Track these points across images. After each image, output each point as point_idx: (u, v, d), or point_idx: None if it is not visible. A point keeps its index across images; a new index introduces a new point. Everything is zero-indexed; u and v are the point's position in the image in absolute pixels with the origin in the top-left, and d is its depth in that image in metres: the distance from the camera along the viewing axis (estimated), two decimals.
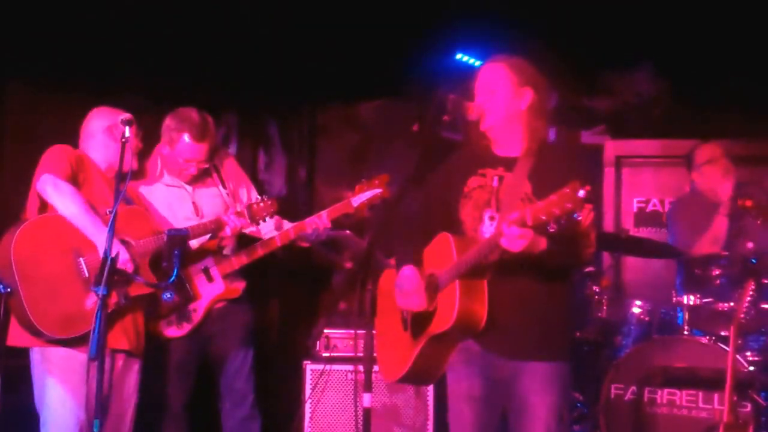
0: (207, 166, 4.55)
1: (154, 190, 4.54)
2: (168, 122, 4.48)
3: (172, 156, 4.49)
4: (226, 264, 4.48)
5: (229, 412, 4.63)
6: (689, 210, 5.53)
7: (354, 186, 4.55)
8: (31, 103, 5.38)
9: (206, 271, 4.46)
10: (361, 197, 4.46)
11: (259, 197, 4.42)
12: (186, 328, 4.43)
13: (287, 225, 4.62)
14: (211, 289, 4.48)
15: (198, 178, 4.60)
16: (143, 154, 4.40)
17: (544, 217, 2.97)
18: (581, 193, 2.89)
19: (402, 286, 3.48)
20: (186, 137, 4.42)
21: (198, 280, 4.45)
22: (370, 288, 3.19)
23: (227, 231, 4.29)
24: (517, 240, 3.07)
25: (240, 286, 4.60)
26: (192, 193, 4.58)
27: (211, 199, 4.60)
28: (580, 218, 3.02)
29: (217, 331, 4.56)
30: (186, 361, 4.51)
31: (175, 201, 4.54)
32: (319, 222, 4.44)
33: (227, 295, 4.53)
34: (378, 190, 4.45)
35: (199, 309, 4.45)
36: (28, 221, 3.85)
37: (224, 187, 4.63)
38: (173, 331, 4.42)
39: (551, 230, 2.99)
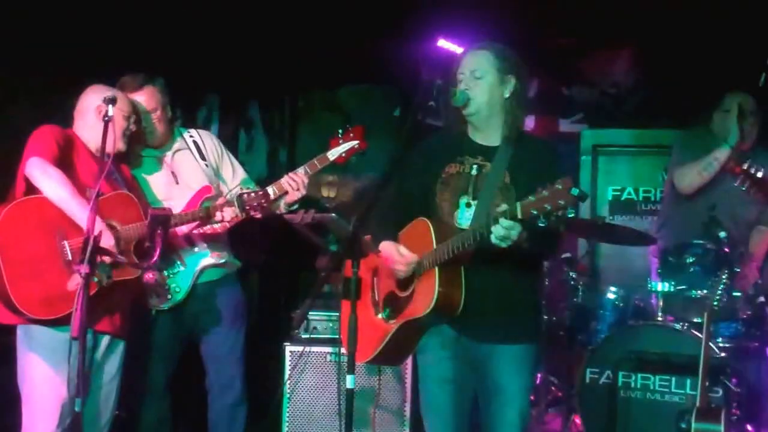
0: (156, 118, 4.44)
1: (133, 162, 4.50)
2: None
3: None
4: (209, 230, 4.46)
5: (216, 396, 4.61)
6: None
7: (332, 169, 4.51)
8: (10, 87, 5.32)
9: (188, 238, 4.44)
10: (337, 150, 4.42)
11: (250, 188, 4.39)
12: (175, 300, 4.41)
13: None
14: (195, 257, 4.47)
15: (168, 145, 4.57)
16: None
17: (535, 212, 3.02)
18: (575, 191, 2.94)
19: (387, 258, 3.50)
20: (125, 94, 4.37)
21: (182, 249, 4.43)
22: (355, 271, 3.21)
23: (216, 218, 4.25)
24: (506, 233, 3.11)
25: (225, 253, 4.56)
26: (170, 163, 4.56)
27: (189, 168, 4.56)
28: (572, 215, 3.07)
29: (204, 309, 4.53)
30: (169, 341, 4.48)
31: (152, 170, 4.52)
32: (297, 178, 4.38)
33: (212, 262, 4.49)
34: (355, 142, 4.42)
35: (185, 279, 4.43)
36: (14, 203, 3.82)
37: (203, 158, 4.60)
38: (160, 301, 4.40)
39: (541, 225, 3.04)
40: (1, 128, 4.99)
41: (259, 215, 4.32)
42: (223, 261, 4.53)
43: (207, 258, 4.48)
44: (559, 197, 2.97)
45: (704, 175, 5.22)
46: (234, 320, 4.61)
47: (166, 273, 4.38)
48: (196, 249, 4.46)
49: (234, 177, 4.70)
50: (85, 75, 4.34)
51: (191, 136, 4.67)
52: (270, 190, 4.37)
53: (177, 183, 4.51)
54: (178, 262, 4.42)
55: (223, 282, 4.58)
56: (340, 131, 4.47)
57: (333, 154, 4.43)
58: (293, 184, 4.37)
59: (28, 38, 5.17)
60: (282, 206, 4.49)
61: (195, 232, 4.42)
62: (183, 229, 4.31)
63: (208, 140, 4.71)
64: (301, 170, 4.41)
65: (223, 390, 4.60)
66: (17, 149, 3.95)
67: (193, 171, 4.55)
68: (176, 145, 4.60)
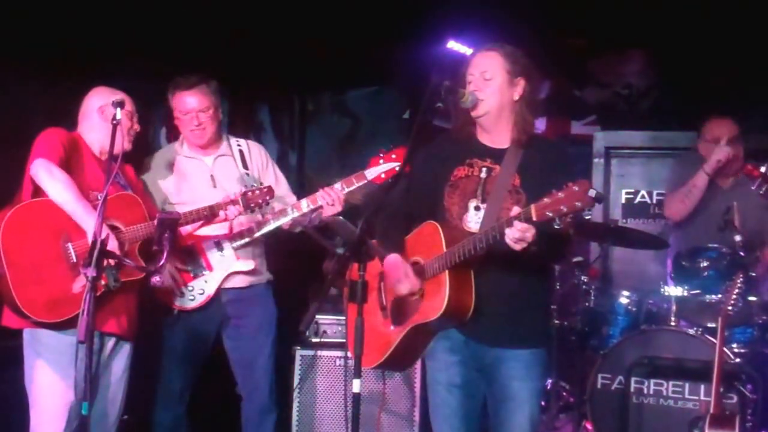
0: (208, 117, 4.53)
1: (175, 162, 4.61)
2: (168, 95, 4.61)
3: (178, 121, 4.57)
4: (238, 236, 4.52)
5: (245, 402, 4.65)
6: (683, 165, 5.54)
7: (340, 172, 4.54)
8: (18, 87, 5.32)
9: (218, 243, 4.51)
10: (376, 170, 4.39)
11: (256, 185, 4.40)
12: (199, 300, 4.47)
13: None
14: (223, 261, 4.51)
15: (213, 148, 4.65)
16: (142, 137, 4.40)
17: (550, 214, 2.96)
18: (592, 192, 2.89)
19: (390, 272, 3.47)
20: (176, 94, 4.52)
21: (210, 252, 4.50)
22: (361, 274, 3.17)
23: (220, 216, 4.28)
24: (521, 235, 3.06)
25: (253, 262, 4.59)
26: (211, 166, 4.63)
27: (229, 174, 4.62)
28: (589, 217, 3.02)
29: (228, 315, 4.58)
30: (186, 344, 4.52)
31: (193, 172, 4.60)
32: (332, 193, 4.39)
33: (239, 268, 4.53)
34: (396, 164, 4.36)
35: (210, 281, 4.50)
36: (18, 206, 3.82)
37: (245, 167, 4.66)
38: (185, 302, 4.46)
39: (556, 227, 2.99)
40: (8, 131, 4.98)
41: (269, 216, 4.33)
42: (250, 269, 4.56)
43: (234, 264, 4.52)
44: (576, 199, 2.92)
45: (686, 203, 5.30)
46: (260, 328, 4.63)
47: (192, 274, 4.46)
48: (224, 254, 4.51)
49: (276, 190, 4.68)
50: (94, 79, 4.35)
51: (239, 145, 4.74)
52: (303, 203, 4.43)
53: (215, 187, 4.56)
54: (205, 265, 4.47)
55: (252, 290, 4.62)
56: (383, 150, 4.43)
57: (371, 173, 4.39)
58: (328, 198, 4.39)
59: (35, 40, 5.17)
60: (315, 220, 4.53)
61: (222, 234, 4.47)
62: (187, 229, 4.32)
63: (255, 151, 4.78)
64: (337, 185, 4.42)
65: (250, 396, 4.64)
66: (24, 152, 3.95)
67: (233, 178, 4.60)
68: (221, 150, 4.67)
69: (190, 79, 4.51)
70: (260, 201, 4.32)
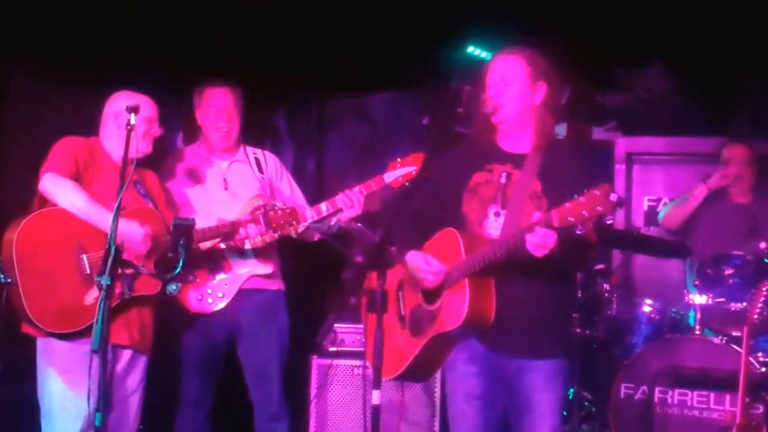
0: (236, 116, 4.59)
1: (190, 164, 4.64)
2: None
3: (205, 119, 4.62)
4: (258, 239, 4.50)
5: (257, 409, 4.64)
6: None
7: (359, 178, 4.55)
8: (37, 92, 5.32)
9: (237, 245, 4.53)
10: (394, 173, 4.45)
11: (278, 204, 4.38)
12: (217, 302, 4.47)
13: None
14: (242, 263, 4.51)
15: (230, 153, 4.67)
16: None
17: (572, 219, 2.92)
18: (613, 197, 2.85)
19: (414, 267, 3.41)
20: (208, 89, 4.60)
21: (230, 254, 4.50)
22: (380, 283, 3.12)
23: (240, 234, 4.30)
24: (542, 241, 3.01)
25: (272, 265, 4.60)
26: (225, 170, 4.64)
27: (243, 178, 4.65)
28: (611, 221, 2.98)
29: (242, 319, 4.55)
30: (202, 350, 4.52)
31: (206, 174, 4.62)
32: (352, 196, 4.44)
33: (257, 271, 4.54)
34: (413, 168, 4.39)
35: (231, 283, 4.50)
36: (33, 214, 3.81)
37: (260, 171, 4.69)
38: (204, 306, 4.46)
39: (578, 233, 2.94)
40: (26, 138, 4.98)
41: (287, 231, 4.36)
42: (269, 272, 4.57)
43: (254, 266, 4.53)
44: (597, 204, 2.88)
45: (681, 210, 5.48)
46: (270, 335, 4.61)
47: (210, 273, 4.47)
48: (244, 256, 4.51)
49: (290, 199, 4.73)
50: (109, 83, 4.34)
51: (254, 154, 4.77)
52: (323, 206, 4.46)
53: (226, 189, 4.58)
54: (224, 265, 4.49)
55: (264, 296, 4.60)
56: (400, 157, 4.51)
57: (389, 176, 4.46)
58: (347, 201, 4.43)
59: (53, 45, 5.17)
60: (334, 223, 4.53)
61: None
62: (206, 245, 4.29)
63: (271, 160, 4.82)
64: (356, 188, 4.47)
65: (261, 403, 4.64)
66: (43, 159, 3.95)
67: (247, 181, 4.63)
68: (236, 157, 4.70)
69: (219, 79, 4.60)
70: (282, 222, 4.30)
